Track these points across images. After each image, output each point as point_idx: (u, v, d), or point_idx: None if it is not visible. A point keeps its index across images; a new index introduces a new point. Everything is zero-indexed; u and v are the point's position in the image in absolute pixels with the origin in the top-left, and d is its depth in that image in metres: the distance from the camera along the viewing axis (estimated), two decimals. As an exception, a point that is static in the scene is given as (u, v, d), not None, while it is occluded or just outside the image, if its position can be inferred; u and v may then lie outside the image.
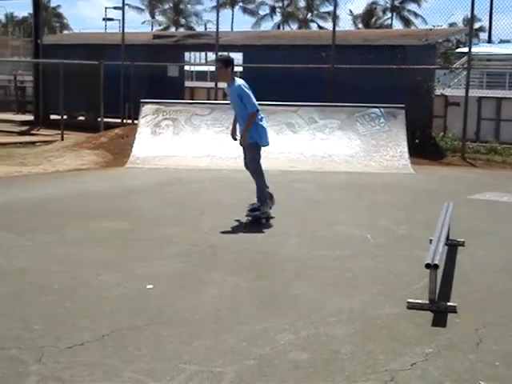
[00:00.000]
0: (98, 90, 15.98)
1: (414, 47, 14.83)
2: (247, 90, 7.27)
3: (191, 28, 55.24)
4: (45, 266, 5.51)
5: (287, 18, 57.61)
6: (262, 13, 59.96)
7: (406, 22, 52.59)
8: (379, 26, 50.85)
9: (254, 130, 7.30)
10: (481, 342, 4.03)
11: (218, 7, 18.47)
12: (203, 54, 24.32)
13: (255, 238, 6.73)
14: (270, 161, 11.44)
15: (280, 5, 59.32)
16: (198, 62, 26.48)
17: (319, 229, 7.18)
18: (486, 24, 28.07)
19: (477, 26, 32.75)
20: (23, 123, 20.03)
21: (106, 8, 69.11)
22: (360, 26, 51.10)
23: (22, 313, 4.40)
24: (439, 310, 4.53)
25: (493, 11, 24.40)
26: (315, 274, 5.48)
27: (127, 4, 32.86)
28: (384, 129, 12.63)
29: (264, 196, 7.39)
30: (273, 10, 59.48)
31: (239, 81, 7.38)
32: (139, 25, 60.13)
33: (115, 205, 8.33)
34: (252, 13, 59.93)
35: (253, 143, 7.35)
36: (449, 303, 4.64)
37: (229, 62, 7.34)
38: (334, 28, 15.16)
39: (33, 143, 15.55)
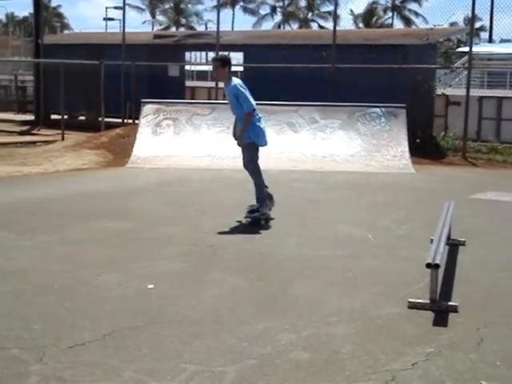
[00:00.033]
0: (99, 90, 15.98)
1: (414, 47, 14.81)
2: (243, 90, 7.20)
3: (192, 28, 55.22)
4: (45, 266, 5.51)
5: (288, 17, 57.62)
6: (262, 12, 60.06)
7: (407, 22, 52.57)
8: (380, 25, 50.85)
9: (252, 130, 7.26)
10: (482, 341, 4.02)
11: (218, 7, 18.49)
12: (204, 53, 24.29)
13: (255, 238, 6.72)
14: (271, 160, 11.44)
15: (281, 4, 59.37)
16: (199, 61, 26.47)
17: (320, 228, 7.18)
18: (487, 23, 28.04)
19: (478, 25, 32.69)
20: (24, 123, 20.02)
21: (106, 8, 69.34)
22: (361, 25, 51.07)
23: (22, 313, 4.40)
24: (440, 310, 4.52)
25: (494, 10, 24.46)
26: (316, 273, 5.48)
27: (128, 4, 32.82)
28: (385, 128, 12.62)
29: (263, 196, 7.35)
30: (273, 9, 59.53)
31: (235, 80, 7.33)
32: (140, 24, 60.23)
33: (116, 205, 8.33)
34: (252, 12, 59.98)
35: (250, 143, 7.31)
36: (450, 303, 4.64)
37: (226, 62, 7.31)
38: (334, 27, 15.16)
39: (33, 143, 15.54)
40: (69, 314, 4.40)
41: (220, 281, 5.20)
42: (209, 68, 25.30)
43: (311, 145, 12.46)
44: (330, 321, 4.33)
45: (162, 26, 58.41)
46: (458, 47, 22.65)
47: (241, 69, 17.40)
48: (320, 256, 6.01)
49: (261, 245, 6.42)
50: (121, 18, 19.04)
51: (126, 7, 20.07)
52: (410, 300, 4.63)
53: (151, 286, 5.00)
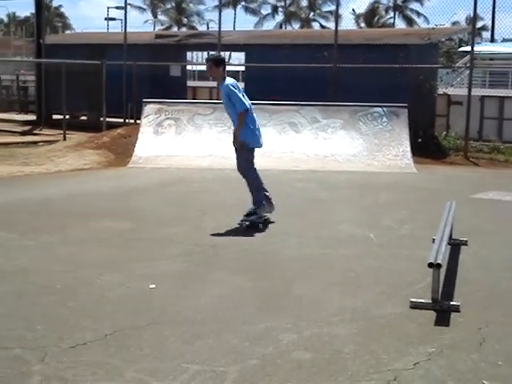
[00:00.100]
0: (101, 90, 15.99)
1: (416, 46, 14.81)
2: (235, 89, 7.10)
3: (193, 27, 55.24)
4: (47, 266, 5.51)
5: (289, 17, 57.66)
6: (264, 12, 60.10)
7: (409, 21, 52.59)
8: (382, 25, 50.85)
9: (247, 130, 7.16)
10: (484, 341, 4.02)
11: (220, 7, 18.53)
12: (205, 53, 24.27)
13: (257, 237, 6.72)
14: (273, 160, 11.46)
15: (282, 4, 59.39)
16: (201, 61, 26.45)
17: (322, 228, 7.17)
18: (489, 23, 28.00)
19: (479, 24, 32.73)
20: (25, 123, 20.04)
21: (108, 8, 69.14)
22: (362, 25, 51.09)
23: (24, 313, 4.40)
24: (442, 310, 4.52)
25: (495, 10, 24.40)
26: (318, 273, 5.47)
27: (129, 4, 32.85)
28: (387, 128, 12.61)
29: (260, 198, 7.23)
30: (275, 9, 59.55)
31: (228, 80, 7.21)
32: (141, 24, 60.21)
33: (117, 204, 8.34)
34: (254, 12, 60.02)
35: (244, 143, 7.22)
36: (452, 302, 4.64)
37: (220, 62, 7.26)
38: (336, 27, 15.15)
39: (35, 143, 15.56)
40: (71, 313, 4.41)
41: (222, 281, 5.20)
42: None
43: (313, 144, 12.46)
44: (332, 320, 4.33)
45: (164, 26, 58.49)
46: (459, 47, 22.60)
47: (242, 69, 17.40)
48: (322, 256, 6.01)
49: (263, 244, 6.42)
50: (122, 17, 19.09)
51: (128, 7, 20.08)
52: (412, 300, 4.63)
53: (153, 285, 5.00)
